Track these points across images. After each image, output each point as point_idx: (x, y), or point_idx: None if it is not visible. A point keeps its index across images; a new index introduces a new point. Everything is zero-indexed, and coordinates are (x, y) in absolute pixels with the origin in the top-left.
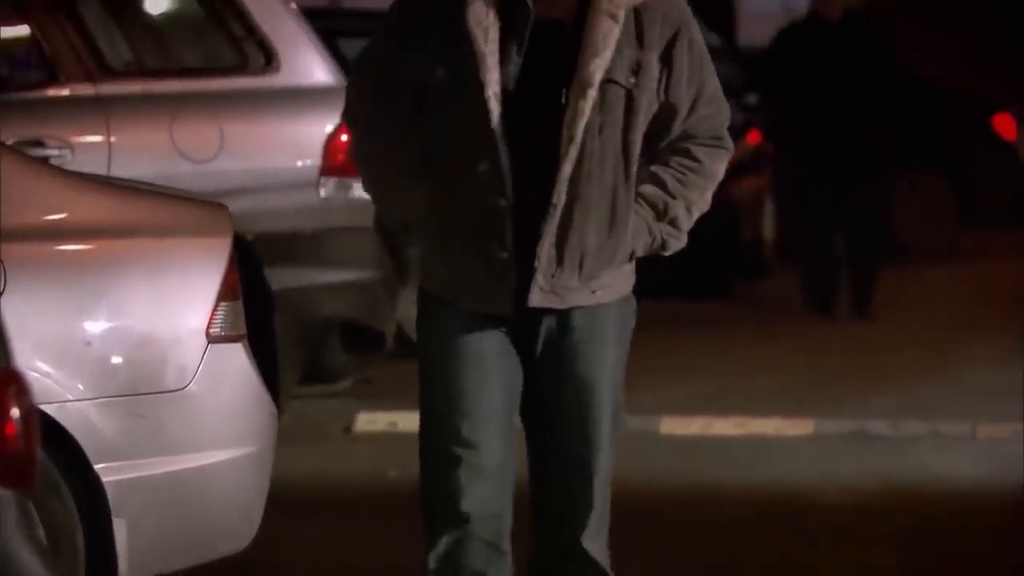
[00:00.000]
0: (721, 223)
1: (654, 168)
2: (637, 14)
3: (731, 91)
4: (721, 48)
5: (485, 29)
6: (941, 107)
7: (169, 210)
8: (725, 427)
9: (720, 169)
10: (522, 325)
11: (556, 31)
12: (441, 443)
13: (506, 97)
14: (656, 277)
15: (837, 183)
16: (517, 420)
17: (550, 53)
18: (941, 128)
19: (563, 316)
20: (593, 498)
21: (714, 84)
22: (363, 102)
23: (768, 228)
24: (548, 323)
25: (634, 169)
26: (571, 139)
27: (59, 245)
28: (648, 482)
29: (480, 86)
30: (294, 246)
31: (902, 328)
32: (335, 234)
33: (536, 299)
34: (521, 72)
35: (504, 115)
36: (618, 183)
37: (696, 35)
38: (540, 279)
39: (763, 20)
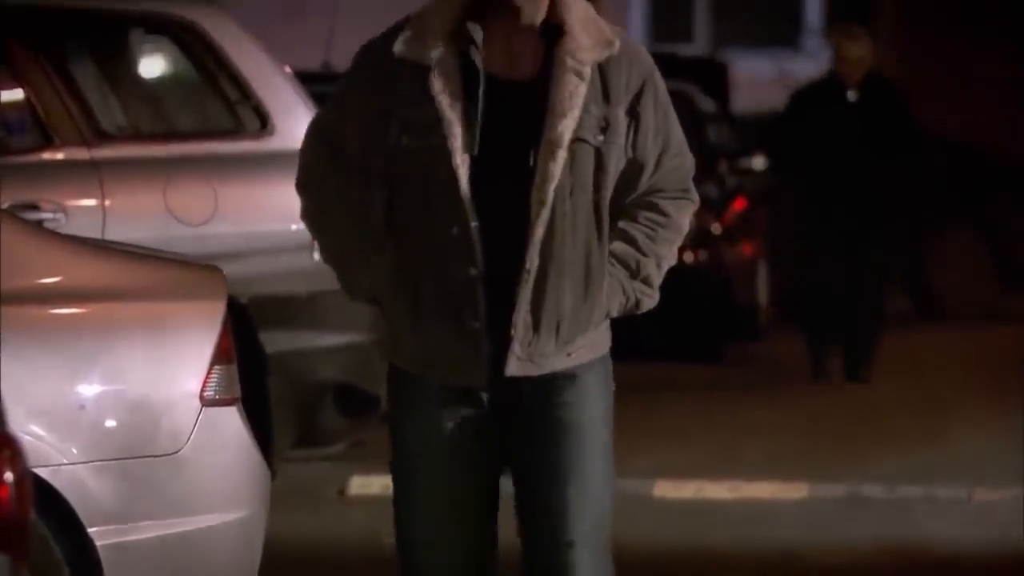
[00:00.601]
0: (715, 286)
1: (623, 225)
2: (602, 69)
3: (725, 155)
4: (715, 112)
5: (449, 94)
6: (978, 168)
7: (163, 273)
8: (719, 491)
9: (686, 221)
10: (498, 396)
11: (520, 91)
12: (414, 535)
13: (473, 162)
14: (650, 340)
15: (850, 245)
16: (498, 487)
17: (515, 114)
18: (978, 190)
19: (542, 383)
20: (586, 562)
21: (679, 135)
22: (319, 167)
23: (762, 292)
24: (526, 391)
25: (606, 228)
26: (542, 202)
27: (53, 308)
28: (642, 545)
29: (447, 153)
30: (288, 309)
31: (899, 391)
32: (329, 297)
33: (513, 368)
34: (487, 135)
35: (472, 180)
36: (591, 244)
37: (660, 87)
38: (517, 348)
39: (757, 85)
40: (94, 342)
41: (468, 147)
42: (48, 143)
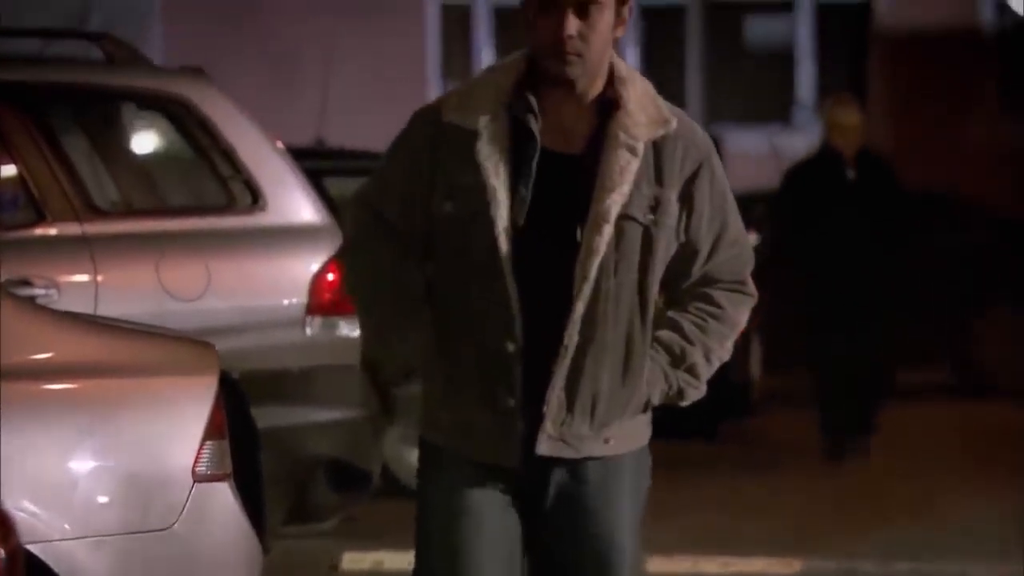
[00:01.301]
0: None
1: (672, 313)
2: (657, 148)
3: None
4: None
5: (496, 162)
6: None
7: (156, 349)
8: (712, 567)
9: (743, 317)
10: (530, 476)
11: (570, 164)
12: None
13: (516, 233)
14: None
15: (851, 321)
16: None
17: (563, 187)
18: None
19: (575, 468)
20: None
21: (736, 223)
22: (364, 236)
23: (755, 367)
24: (559, 475)
25: (651, 311)
26: (584, 278)
27: (47, 384)
28: None
29: (490, 222)
30: (280, 384)
31: (893, 467)
32: (321, 373)
33: (544, 447)
34: (533, 206)
35: (514, 251)
36: (633, 326)
37: (719, 171)
38: (549, 426)
39: (750, 161)
40: (87, 418)
41: (512, 217)
42: (41, 218)
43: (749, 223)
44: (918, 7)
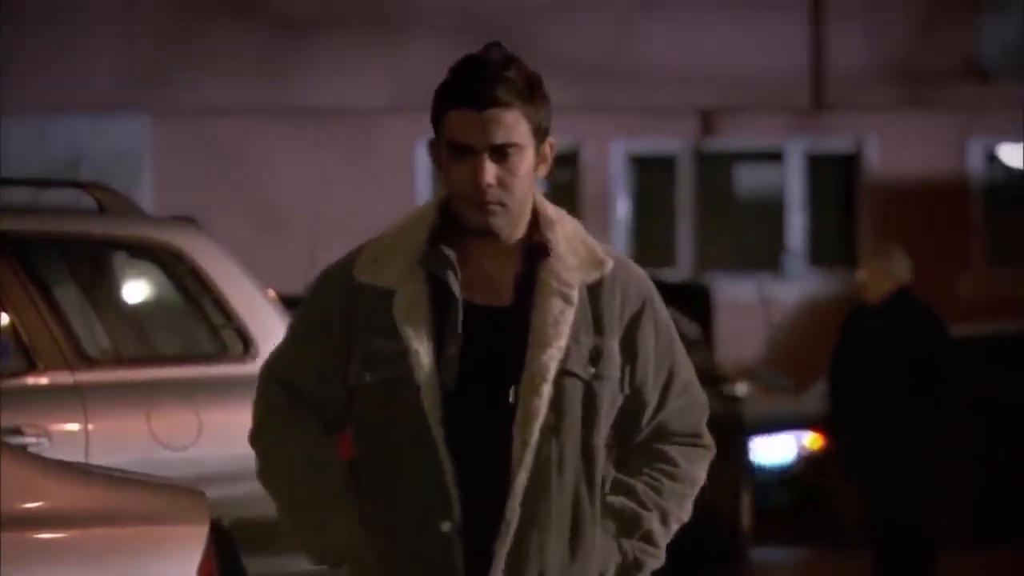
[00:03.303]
0: (696, 508)
1: (622, 475)
2: (592, 293)
3: (709, 381)
4: (699, 339)
5: (415, 323)
6: None
7: (146, 498)
8: None
9: (701, 472)
10: None
11: (498, 317)
12: None
13: (445, 399)
14: None
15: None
16: None
17: (493, 343)
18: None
19: None
20: None
21: (686, 370)
22: (275, 415)
23: (745, 514)
24: None
25: (598, 475)
26: (524, 443)
27: (36, 533)
28: None
29: (415, 388)
30: (272, 533)
31: None
32: None
33: None
34: (461, 368)
35: (445, 419)
36: (580, 493)
37: (662, 313)
38: None
39: (740, 309)
40: (77, 567)
41: (439, 382)
42: (32, 367)
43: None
44: (907, 158)
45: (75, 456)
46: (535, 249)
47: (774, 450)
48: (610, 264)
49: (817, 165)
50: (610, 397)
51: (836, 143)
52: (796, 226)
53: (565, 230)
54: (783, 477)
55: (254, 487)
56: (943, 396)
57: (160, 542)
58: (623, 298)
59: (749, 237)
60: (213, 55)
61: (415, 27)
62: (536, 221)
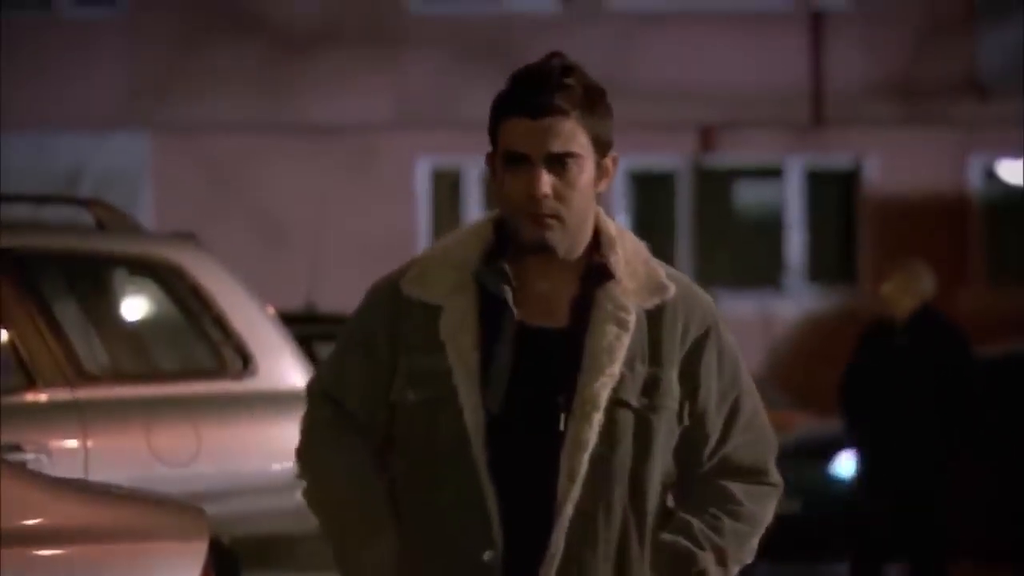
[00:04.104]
0: None
1: (680, 511)
2: (652, 319)
3: None
4: None
5: (463, 341)
6: None
7: (145, 514)
8: None
9: (767, 512)
10: None
11: (551, 340)
12: None
13: (491, 423)
14: None
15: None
16: None
17: (543, 367)
18: None
19: None
20: None
21: (753, 402)
22: (322, 431)
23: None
24: None
25: (650, 511)
26: (571, 474)
27: (35, 550)
28: None
29: (459, 411)
30: (271, 550)
31: None
32: (311, 539)
33: None
34: (508, 391)
35: (489, 444)
36: (629, 528)
37: (727, 342)
38: None
39: (740, 326)
40: None
41: (483, 403)
42: (31, 384)
43: None
44: (907, 174)
45: (74, 473)
46: (594, 270)
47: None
48: (672, 290)
49: (817, 181)
50: (666, 429)
51: (836, 159)
52: (796, 242)
53: (627, 250)
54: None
55: (253, 504)
56: (972, 415)
57: (159, 559)
58: (685, 326)
59: (749, 253)
60: (213, 71)
61: (415, 44)
62: (597, 240)
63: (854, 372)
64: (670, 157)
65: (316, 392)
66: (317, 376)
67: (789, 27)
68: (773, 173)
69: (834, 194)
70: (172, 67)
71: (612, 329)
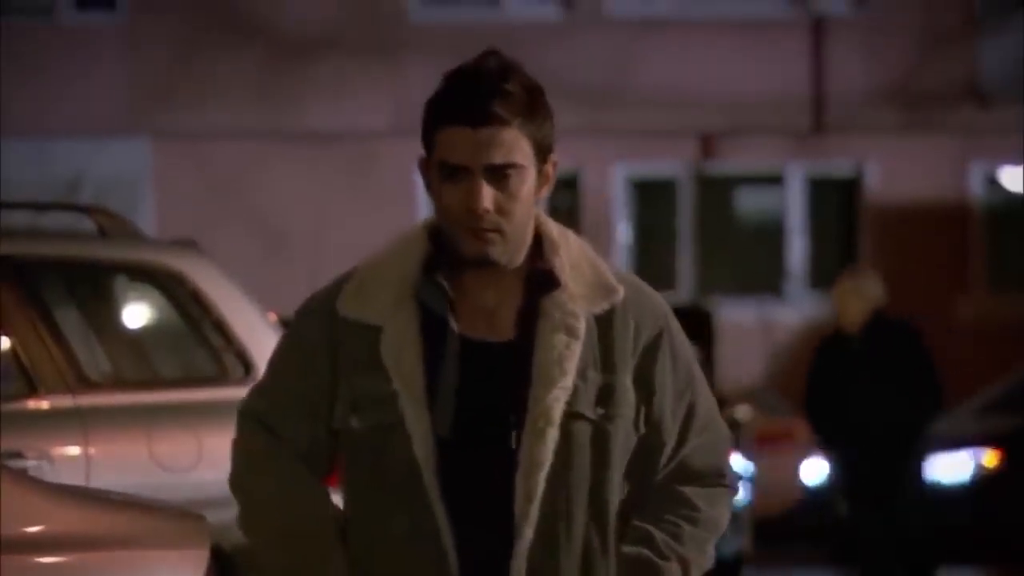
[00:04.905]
0: None
1: (638, 521)
2: (602, 324)
3: None
4: (701, 362)
5: (406, 362)
6: None
7: (147, 522)
8: None
9: (723, 514)
10: None
11: (497, 354)
12: None
13: (440, 446)
14: None
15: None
16: None
17: (492, 383)
18: None
19: None
20: None
21: (707, 402)
22: (255, 462)
23: (748, 542)
24: None
25: (611, 526)
26: (529, 496)
27: (36, 557)
28: None
29: (407, 436)
30: None
31: None
32: None
33: None
34: (457, 411)
35: (440, 469)
36: (592, 547)
37: (680, 342)
38: None
39: (741, 332)
40: None
41: (432, 428)
42: (33, 391)
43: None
44: (907, 181)
45: (76, 479)
46: (538, 276)
47: (952, 468)
48: (621, 292)
49: (817, 188)
50: (623, 438)
51: (836, 166)
52: (796, 249)
53: (571, 254)
54: (961, 495)
55: None
56: (931, 408)
57: (160, 566)
58: (636, 328)
59: (750, 260)
60: (214, 78)
61: (415, 51)
62: (539, 244)
63: (813, 381)
64: (671, 164)
65: (248, 417)
66: (248, 400)
67: (790, 34)
68: (774, 180)
69: (835, 201)
70: (173, 73)
71: (562, 338)
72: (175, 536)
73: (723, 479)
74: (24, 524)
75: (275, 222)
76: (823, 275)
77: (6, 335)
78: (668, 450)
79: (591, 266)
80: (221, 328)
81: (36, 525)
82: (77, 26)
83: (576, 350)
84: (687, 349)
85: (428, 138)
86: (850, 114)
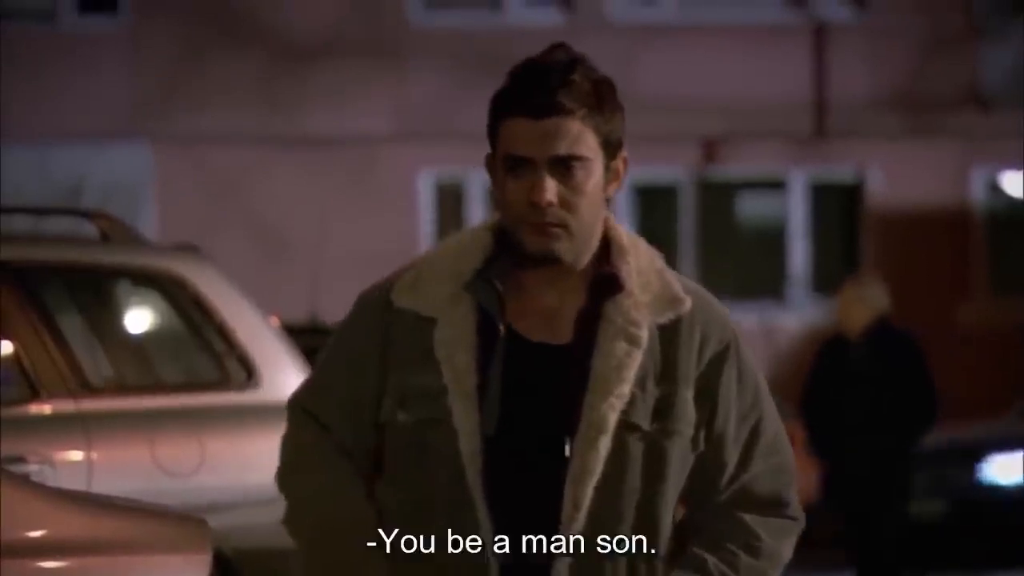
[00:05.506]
0: None
1: (694, 547)
2: (666, 335)
3: None
4: None
5: (459, 358)
6: None
7: (148, 526)
8: None
9: (787, 548)
10: None
11: (555, 357)
12: None
13: (488, 447)
14: None
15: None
16: None
17: (546, 386)
18: None
19: None
20: None
21: (774, 427)
22: (305, 456)
23: None
24: None
25: (661, 545)
26: (576, 504)
27: (38, 562)
28: None
29: (453, 434)
30: (275, 563)
31: None
32: None
33: None
34: (507, 412)
35: (485, 471)
36: (638, 565)
37: (747, 360)
38: None
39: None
40: None
41: (481, 427)
42: (35, 395)
43: None
44: (910, 186)
45: (78, 484)
46: (603, 281)
47: (1008, 469)
48: (688, 303)
49: (819, 193)
50: (680, 456)
51: (838, 171)
52: (799, 254)
53: (640, 261)
54: (1018, 495)
55: (257, 516)
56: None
57: (162, 571)
58: (702, 341)
59: (751, 265)
60: (216, 83)
61: (417, 56)
62: (607, 249)
63: (812, 384)
64: (673, 169)
65: (297, 410)
66: (298, 393)
67: (792, 40)
68: (776, 185)
69: (837, 206)
70: (174, 78)
71: (622, 346)
72: (177, 541)
73: (787, 510)
74: (26, 528)
75: (277, 226)
76: (825, 280)
77: (9, 340)
78: (729, 471)
79: (659, 276)
80: (223, 333)
81: (38, 530)
82: (78, 31)
83: (636, 359)
84: (754, 367)
85: (492, 132)
86: (852, 119)
